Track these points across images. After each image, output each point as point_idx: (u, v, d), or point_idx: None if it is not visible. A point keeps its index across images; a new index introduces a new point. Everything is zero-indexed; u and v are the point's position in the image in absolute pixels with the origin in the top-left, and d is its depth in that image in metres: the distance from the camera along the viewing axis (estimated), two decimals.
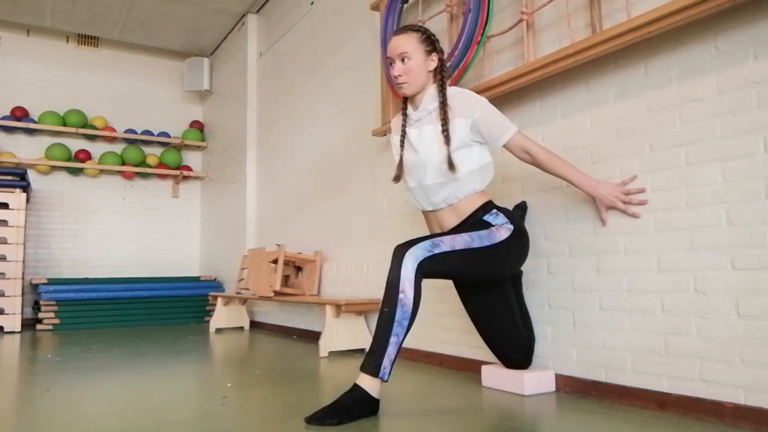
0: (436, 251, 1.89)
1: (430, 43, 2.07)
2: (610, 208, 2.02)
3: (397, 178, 2.20)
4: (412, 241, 1.90)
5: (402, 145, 2.17)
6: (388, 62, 2.11)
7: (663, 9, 1.75)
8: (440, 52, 2.09)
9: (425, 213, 2.20)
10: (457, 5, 2.73)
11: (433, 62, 2.07)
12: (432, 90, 2.09)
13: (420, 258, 1.85)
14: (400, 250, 1.86)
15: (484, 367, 2.34)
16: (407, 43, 2.04)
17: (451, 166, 2.00)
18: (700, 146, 1.79)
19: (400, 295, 1.81)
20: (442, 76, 2.08)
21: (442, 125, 2.03)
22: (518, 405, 1.98)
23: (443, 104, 2.04)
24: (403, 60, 2.04)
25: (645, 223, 1.94)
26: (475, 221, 2.06)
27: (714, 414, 1.70)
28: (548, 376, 2.20)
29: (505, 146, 2.05)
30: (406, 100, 2.18)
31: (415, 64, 2.04)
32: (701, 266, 1.77)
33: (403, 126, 2.17)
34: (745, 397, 1.64)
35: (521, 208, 2.37)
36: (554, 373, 2.22)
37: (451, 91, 2.09)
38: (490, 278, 2.09)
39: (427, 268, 1.87)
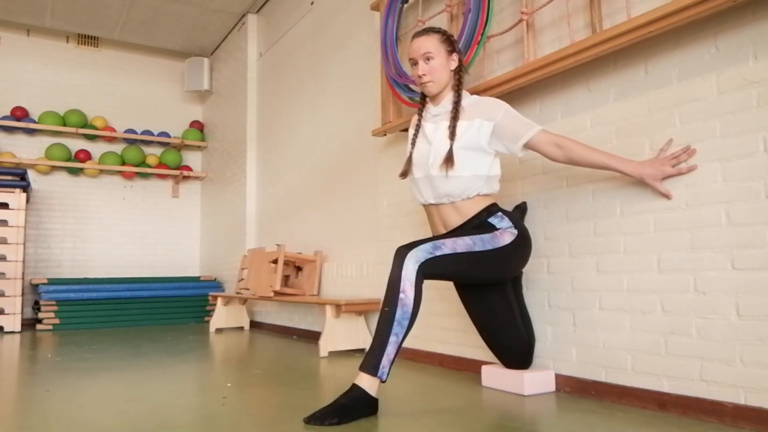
0: (438, 253, 1.91)
1: (451, 43, 2.15)
2: (664, 179, 1.87)
3: (404, 174, 2.23)
4: (414, 242, 1.92)
5: (414, 142, 2.21)
6: (410, 63, 2.16)
7: (663, 9, 1.75)
8: (459, 53, 2.17)
9: (427, 208, 2.21)
10: (457, 5, 2.73)
11: (454, 62, 2.14)
12: (448, 96, 2.16)
13: (421, 259, 1.87)
14: (402, 251, 1.88)
15: (484, 367, 2.34)
16: (430, 43, 2.10)
17: (449, 160, 2.03)
18: (700, 146, 1.79)
19: (401, 295, 1.81)
20: (460, 76, 2.15)
21: (451, 121, 2.08)
22: (518, 405, 1.98)
23: (457, 103, 2.10)
24: (427, 60, 2.10)
25: (645, 223, 1.94)
26: (479, 222, 2.08)
27: (714, 414, 1.70)
28: (548, 376, 2.20)
29: (529, 145, 2.03)
30: (424, 97, 2.24)
31: (438, 63, 2.10)
32: (701, 266, 1.77)
33: (419, 121, 2.23)
34: (745, 397, 1.64)
35: (521, 209, 2.37)
36: (554, 373, 2.22)
37: (475, 97, 2.16)
38: (491, 280, 2.10)
39: (428, 270, 1.89)
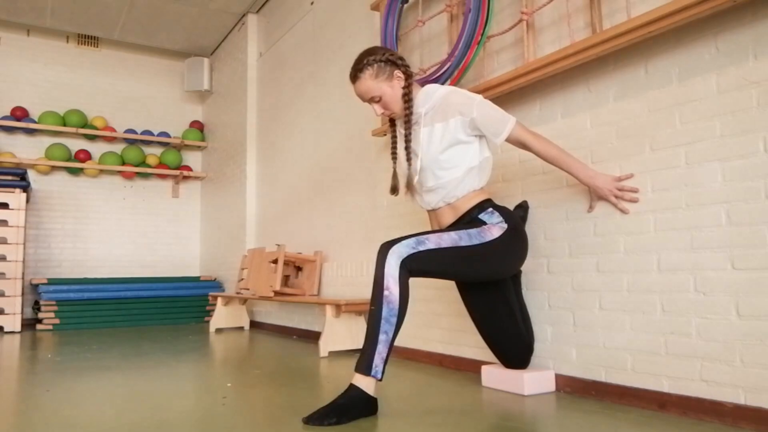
0: (421, 248, 1.88)
1: (384, 67, 2.03)
2: (602, 199, 2.05)
3: (394, 189, 2.18)
4: (397, 238, 1.89)
5: (394, 157, 2.20)
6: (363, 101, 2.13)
7: (663, 9, 1.75)
8: (398, 64, 2.04)
9: (428, 211, 2.22)
10: (457, 5, 2.73)
11: (399, 80, 2.05)
12: (419, 96, 2.09)
13: (403, 255, 1.84)
14: (384, 248, 1.86)
15: (483, 367, 2.34)
16: (367, 87, 2.05)
17: (428, 179, 2.07)
18: (700, 146, 1.79)
19: (385, 293, 1.80)
20: (408, 84, 2.05)
21: (405, 142, 2.06)
22: (518, 405, 1.98)
23: (408, 119, 2.05)
24: (376, 102, 2.07)
25: (645, 223, 1.94)
26: (470, 219, 2.06)
27: (714, 414, 1.70)
28: (548, 376, 2.20)
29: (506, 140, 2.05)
30: None
31: (387, 98, 2.05)
32: (701, 266, 1.77)
33: (393, 134, 2.22)
34: (745, 397, 1.64)
35: (522, 208, 2.37)
36: (554, 372, 2.22)
37: (443, 90, 2.07)
38: (482, 277, 2.06)
39: (412, 266, 1.86)
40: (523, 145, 2.04)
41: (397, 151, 2.20)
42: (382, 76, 2.03)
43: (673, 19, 1.75)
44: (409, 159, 2.10)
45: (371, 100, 2.07)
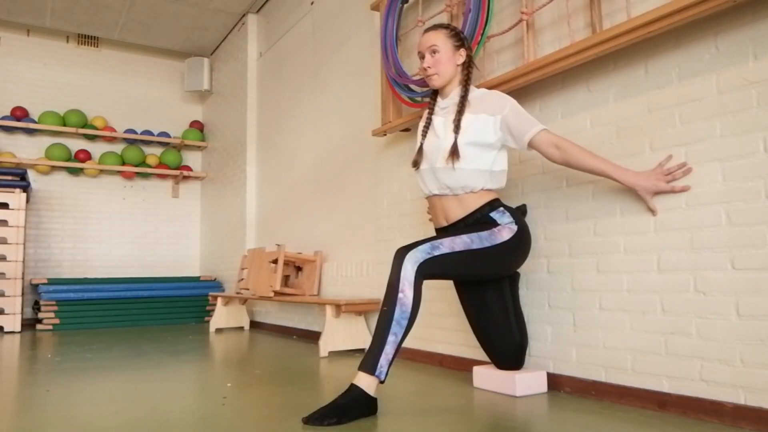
0: (436, 253, 1.94)
1: (459, 39, 2.20)
2: (656, 194, 1.89)
3: (416, 164, 2.26)
4: (412, 243, 1.94)
5: (425, 133, 2.25)
6: (419, 57, 2.23)
7: (663, 9, 1.75)
8: (468, 49, 2.21)
9: (431, 200, 2.24)
10: (457, 5, 2.73)
11: (461, 57, 2.20)
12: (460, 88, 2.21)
13: (420, 260, 1.89)
14: (401, 253, 1.91)
15: (475, 368, 2.33)
16: (436, 38, 2.18)
17: (454, 153, 2.07)
18: (700, 146, 1.79)
19: (400, 295, 1.83)
20: (468, 71, 2.19)
21: (456, 115, 2.12)
22: (509, 406, 1.98)
23: (463, 98, 2.14)
24: (432, 53, 2.17)
25: (645, 223, 1.94)
26: (480, 216, 2.10)
27: (714, 414, 1.70)
28: (540, 377, 2.19)
29: (531, 144, 2.04)
30: (435, 91, 2.29)
31: (443, 57, 2.17)
32: (701, 266, 1.77)
33: (429, 114, 2.27)
34: (745, 397, 1.64)
35: (521, 212, 2.37)
36: (546, 373, 2.22)
37: (482, 90, 2.20)
38: (489, 276, 2.12)
39: (427, 270, 1.91)
40: (555, 147, 1.99)
41: (429, 127, 2.25)
42: (453, 41, 2.19)
43: (673, 19, 1.75)
44: (425, 134, 2.23)
45: (430, 49, 2.17)
